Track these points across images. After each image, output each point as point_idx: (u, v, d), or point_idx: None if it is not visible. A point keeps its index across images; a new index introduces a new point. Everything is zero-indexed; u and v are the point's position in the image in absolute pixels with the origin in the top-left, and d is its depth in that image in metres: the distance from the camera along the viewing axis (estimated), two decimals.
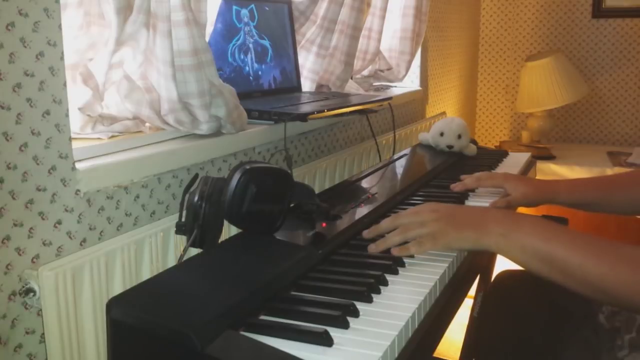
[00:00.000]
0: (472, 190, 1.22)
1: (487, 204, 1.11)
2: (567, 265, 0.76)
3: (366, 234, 0.91)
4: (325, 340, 0.61)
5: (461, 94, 3.13)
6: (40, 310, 0.80)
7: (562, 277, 0.77)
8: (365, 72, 2.06)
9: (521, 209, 1.18)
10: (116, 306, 0.65)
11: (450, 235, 0.84)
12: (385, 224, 0.90)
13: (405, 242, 0.87)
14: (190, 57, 1.01)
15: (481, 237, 0.83)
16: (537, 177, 1.64)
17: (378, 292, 0.74)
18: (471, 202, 1.17)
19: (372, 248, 0.87)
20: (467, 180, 1.19)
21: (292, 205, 0.88)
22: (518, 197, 1.12)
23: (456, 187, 1.18)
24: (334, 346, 0.61)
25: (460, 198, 1.16)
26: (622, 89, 3.17)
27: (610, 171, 2.62)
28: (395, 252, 0.85)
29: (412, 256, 0.86)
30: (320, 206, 0.93)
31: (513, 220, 0.83)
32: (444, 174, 1.37)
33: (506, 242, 0.81)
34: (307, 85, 1.61)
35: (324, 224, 0.93)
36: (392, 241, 0.86)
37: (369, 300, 0.71)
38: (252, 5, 1.40)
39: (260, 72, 1.42)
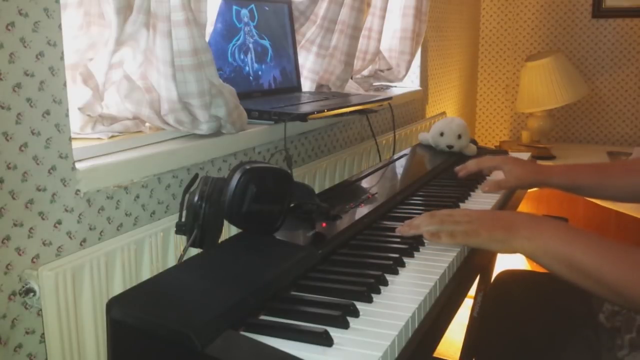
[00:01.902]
0: (481, 177, 1.28)
1: (487, 206, 1.12)
2: (585, 268, 0.78)
3: (399, 228, 0.93)
4: (325, 340, 0.61)
5: (461, 94, 3.13)
6: (40, 310, 0.80)
7: (581, 280, 0.79)
8: (365, 72, 2.06)
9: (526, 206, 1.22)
10: (116, 306, 0.65)
11: (482, 235, 0.86)
12: (419, 219, 0.92)
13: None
14: (190, 57, 1.01)
15: (509, 240, 0.85)
16: None
17: (378, 292, 0.74)
18: (470, 203, 1.17)
19: (402, 230, 0.91)
20: (469, 163, 1.26)
21: (292, 205, 0.88)
22: (511, 180, 1.18)
23: (460, 172, 1.26)
24: (334, 346, 0.61)
25: (461, 198, 1.16)
26: (622, 89, 3.16)
27: None
28: (426, 235, 0.88)
29: (411, 256, 0.86)
30: (320, 206, 0.93)
31: (538, 224, 0.85)
32: (444, 174, 1.37)
33: (531, 245, 0.83)
34: (307, 85, 1.61)
35: (324, 224, 0.93)
36: (425, 229, 0.89)
37: (369, 300, 0.71)
38: (252, 5, 1.40)
39: (260, 72, 1.41)
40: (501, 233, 0.86)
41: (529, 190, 1.44)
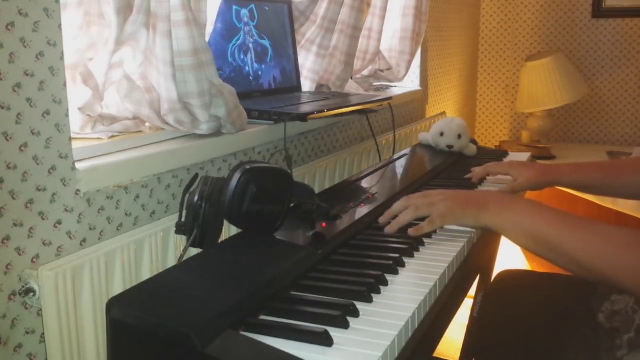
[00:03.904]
0: (482, 181, 1.30)
1: None
2: (548, 240, 0.82)
3: (381, 219, 0.98)
4: (325, 340, 0.61)
5: (461, 94, 3.13)
6: (40, 310, 0.80)
7: (546, 252, 0.84)
8: (365, 72, 2.06)
9: (529, 194, 1.26)
10: (116, 306, 0.65)
11: (456, 212, 0.92)
12: (397, 205, 0.97)
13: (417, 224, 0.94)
14: (190, 57, 1.01)
15: (481, 215, 0.90)
16: None
17: (378, 292, 0.74)
18: None
19: (388, 229, 0.95)
20: (478, 170, 1.28)
21: (292, 205, 0.88)
22: (522, 182, 1.19)
23: (473, 179, 1.27)
24: (334, 346, 0.61)
25: None
26: (622, 89, 3.17)
27: None
28: (411, 232, 0.92)
29: (411, 256, 0.86)
30: (320, 206, 0.93)
31: (509, 201, 0.90)
32: (444, 174, 1.37)
33: (501, 220, 0.88)
34: (307, 85, 1.61)
35: (324, 224, 0.93)
36: (404, 220, 0.94)
37: (369, 300, 0.71)
38: (252, 5, 1.40)
39: (260, 72, 1.42)
40: (473, 209, 0.91)
41: (528, 191, 1.44)
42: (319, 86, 1.67)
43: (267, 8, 1.45)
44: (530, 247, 0.86)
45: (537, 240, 0.84)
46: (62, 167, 0.85)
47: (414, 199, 0.96)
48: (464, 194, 0.96)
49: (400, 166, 1.43)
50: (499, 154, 1.65)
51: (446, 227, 0.98)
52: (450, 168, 1.44)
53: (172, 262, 0.98)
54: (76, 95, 0.94)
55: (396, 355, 0.63)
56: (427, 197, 0.95)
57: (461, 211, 0.92)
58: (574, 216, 0.83)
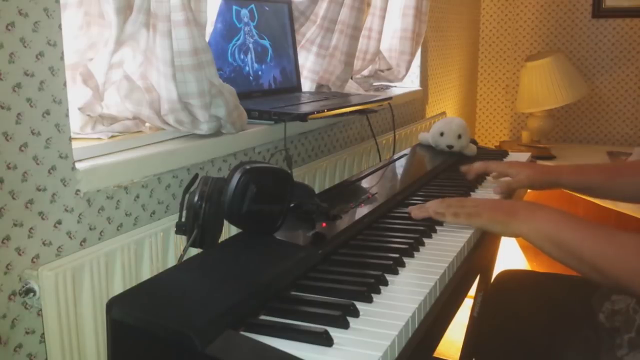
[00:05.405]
0: (482, 177, 1.31)
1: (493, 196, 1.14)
2: (569, 246, 0.84)
3: (411, 207, 1.02)
4: (325, 340, 0.61)
5: (461, 94, 3.13)
6: (40, 310, 0.80)
7: (567, 258, 0.85)
8: (365, 72, 2.06)
9: (534, 196, 1.26)
10: (116, 306, 0.65)
11: (484, 217, 0.94)
12: (431, 203, 1.01)
13: None
14: (190, 57, 1.01)
15: (509, 223, 0.92)
16: None
17: (378, 292, 0.74)
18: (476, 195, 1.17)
19: (414, 213, 1.00)
20: (477, 164, 1.28)
21: (292, 205, 0.88)
22: (522, 179, 1.19)
23: (469, 175, 1.27)
24: (334, 346, 0.61)
25: (464, 195, 1.16)
26: (622, 89, 3.16)
27: None
28: (432, 214, 0.98)
29: (411, 256, 0.86)
30: (320, 206, 0.93)
31: (535, 209, 0.91)
32: (444, 174, 1.37)
33: (528, 228, 0.89)
34: (307, 85, 1.61)
35: (324, 224, 0.93)
36: (433, 211, 0.98)
37: (369, 300, 0.71)
38: (252, 5, 1.40)
39: (260, 72, 1.41)
40: (502, 216, 0.93)
41: (528, 191, 1.44)
42: (319, 86, 1.67)
43: (267, 8, 1.45)
44: (553, 254, 0.87)
45: (561, 247, 0.85)
46: (62, 167, 0.85)
47: (449, 200, 1.00)
48: (494, 202, 1.00)
49: (400, 166, 1.43)
50: (499, 154, 1.65)
51: (446, 227, 0.98)
52: (450, 168, 1.43)
53: (172, 262, 0.99)
54: (76, 95, 0.94)
55: (396, 355, 0.63)
56: (460, 201, 0.99)
57: (490, 217, 0.94)
58: (595, 225, 0.85)
